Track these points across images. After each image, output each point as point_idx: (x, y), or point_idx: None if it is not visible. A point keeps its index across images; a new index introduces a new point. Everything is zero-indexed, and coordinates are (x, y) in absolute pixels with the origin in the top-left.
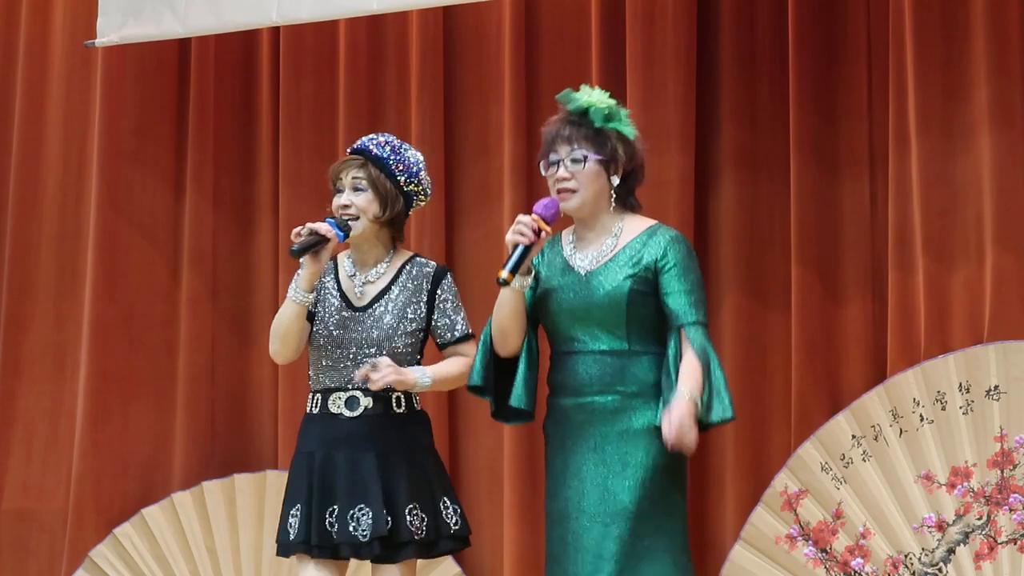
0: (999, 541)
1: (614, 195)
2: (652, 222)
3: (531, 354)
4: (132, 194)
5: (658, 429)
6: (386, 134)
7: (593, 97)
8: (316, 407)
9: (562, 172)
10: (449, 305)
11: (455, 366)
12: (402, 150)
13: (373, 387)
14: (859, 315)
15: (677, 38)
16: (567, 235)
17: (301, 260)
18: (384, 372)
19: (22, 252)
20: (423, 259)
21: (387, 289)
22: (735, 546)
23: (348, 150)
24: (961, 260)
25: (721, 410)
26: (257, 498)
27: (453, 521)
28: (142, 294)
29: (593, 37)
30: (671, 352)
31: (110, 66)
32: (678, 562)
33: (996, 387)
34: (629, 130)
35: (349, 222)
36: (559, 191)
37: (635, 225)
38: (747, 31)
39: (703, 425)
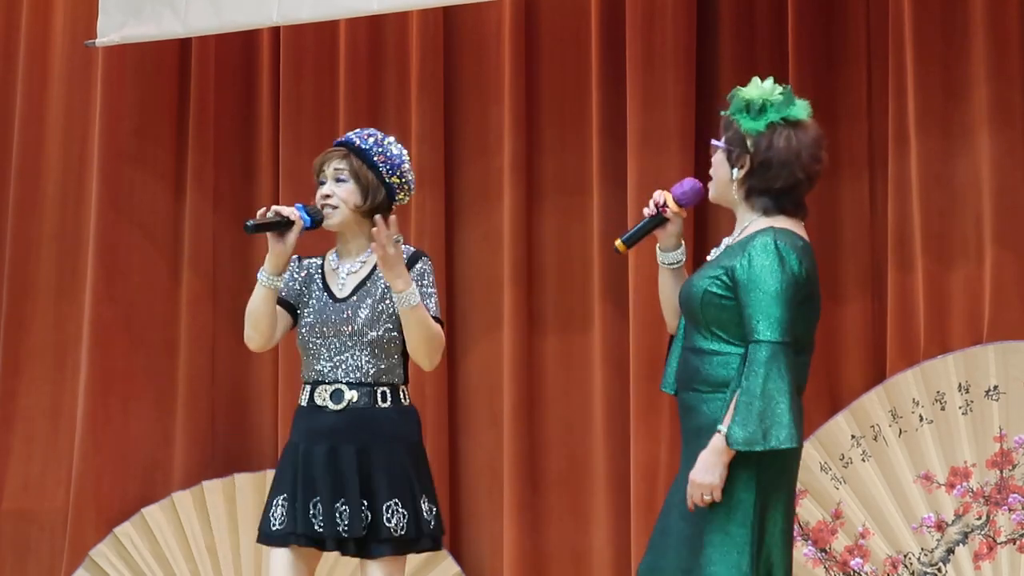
0: (998, 541)
1: (736, 187)
2: (770, 225)
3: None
4: (132, 194)
5: (714, 427)
6: (372, 129)
7: (747, 89)
8: (305, 399)
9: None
10: (424, 286)
11: (434, 327)
12: (385, 143)
13: (377, 248)
14: (859, 315)
15: (677, 38)
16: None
17: (269, 244)
18: (390, 250)
19: (22, 252)
20: (402, 246)
21: (367, 279)
22: None
23: (334, 143)
24: (961, 260)
25: (745, 436)
26: (257, 498)
27: (429, 520)
28: (142, 294)
29: (593, 37)
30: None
31: (110, 66)
32: (738, 564)
33: (995, 387)
34: (750, 124)
35: (326, 212)
36: None
37: (756, 226)
38: (747, 31)
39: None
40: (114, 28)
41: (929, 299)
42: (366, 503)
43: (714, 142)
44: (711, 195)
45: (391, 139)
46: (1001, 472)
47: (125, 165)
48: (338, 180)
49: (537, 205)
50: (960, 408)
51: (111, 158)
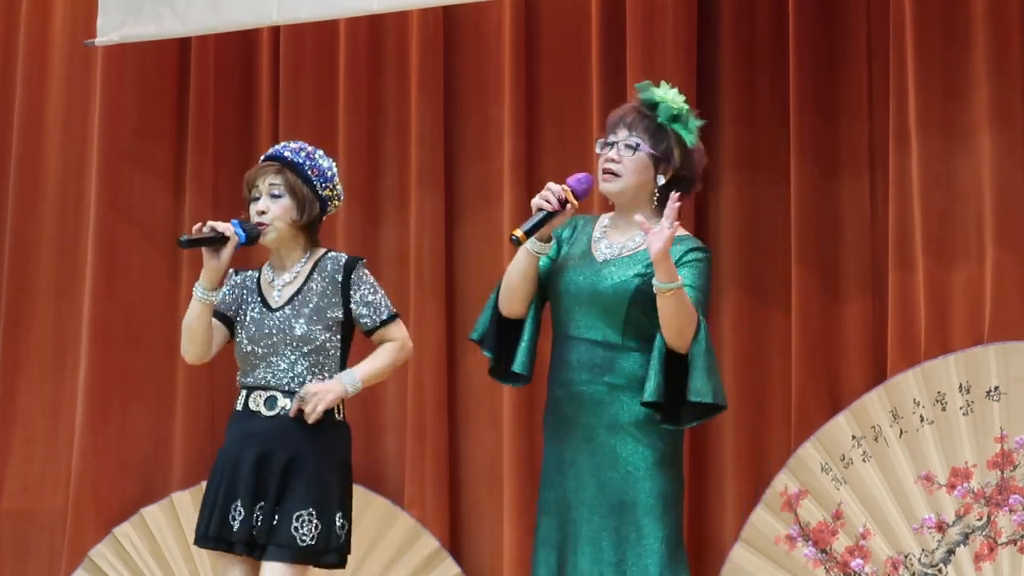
0: (999, 542)
1: (657, 194)
2: (684, 233)
3: (535, 323)
4: (132, 194)
5: (645, 424)
6: (299, 141)
7: (667, 95)
8: (240, 404)
9: (612, 153)
10: (365, 291)
11: (381, 356)
12: (316, 156)
13: (311, 420)
14: (859, 315)
15: (677, 38)
16: (603, 220)
17: (204, 259)
18: (313, 403)
19: (22, 252)
20: (336, 253)
21: (303, 287)
22: (735, 546)
23: (262, 158)
24: (961, 260)
25: (698, 392)
26: None
27: (340, 535)
28: (142, 294)
29: (593, 37)
30: (658, 343)
31: (110, 66)
32: (674, 554)
33: (996, 388)
34: (690, 137)
35: (261, 228)
36: (604, 171)
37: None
38: (747, 31)
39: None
40: (114, 27)
41: (930, 299)
42: (281, 509)
43: (644, 146)
44: (613, 189)
45: (321, 152)
46: (1002, 473)
47: (125, 165)
48: (273, 196)
49: None
50: (961, 409)
51: (111, 158)
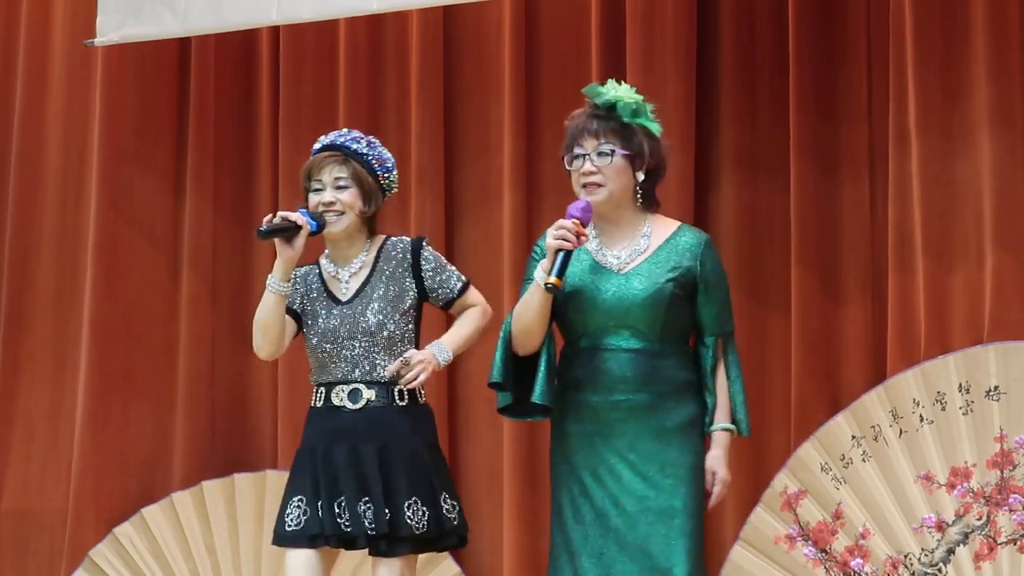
0: (999, 542)
1: (640, 191)
2: (676, 222)
3: (551, 351)
4: (132, 194)
5: (689, 427)
6: (355, 131)
7: (620, 92)
8: (320, 400)
9: (588, 166)
10: (435, 267)
11: (467, 323)
12: (376, 145)
13: (410, 386)
14: (859, 315)
15: (677, 38)
16: (588, 231)
17: (277, 250)
18: (417, 370)
19: (22, 252)
20: (396, 237)
21: (370, 276)
22: (735, 546)
23: (319, 146)
24: (961, 261)
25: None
26: (257, 498)
27: (452, 517)
28: (142, 294)
29: (593, 37)
30: (709, 363)
31: (110, 66)
32: (702, 557)
33: (996, 388)
34: (655, 126)
35: (329, 217)
36: (585, 185)
37: (662, 224)
38: (747, 31)
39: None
40: (113, 28)
41: (929, 300)
42: (387, 502)
43: (618, 150)
44: (600, 199)
45: (377, 140)
46: (1001, 472)
47: (125, 165)
48: (339, 187)
49: (537, 205)
50: (960, 408)
51: (111, 158)
